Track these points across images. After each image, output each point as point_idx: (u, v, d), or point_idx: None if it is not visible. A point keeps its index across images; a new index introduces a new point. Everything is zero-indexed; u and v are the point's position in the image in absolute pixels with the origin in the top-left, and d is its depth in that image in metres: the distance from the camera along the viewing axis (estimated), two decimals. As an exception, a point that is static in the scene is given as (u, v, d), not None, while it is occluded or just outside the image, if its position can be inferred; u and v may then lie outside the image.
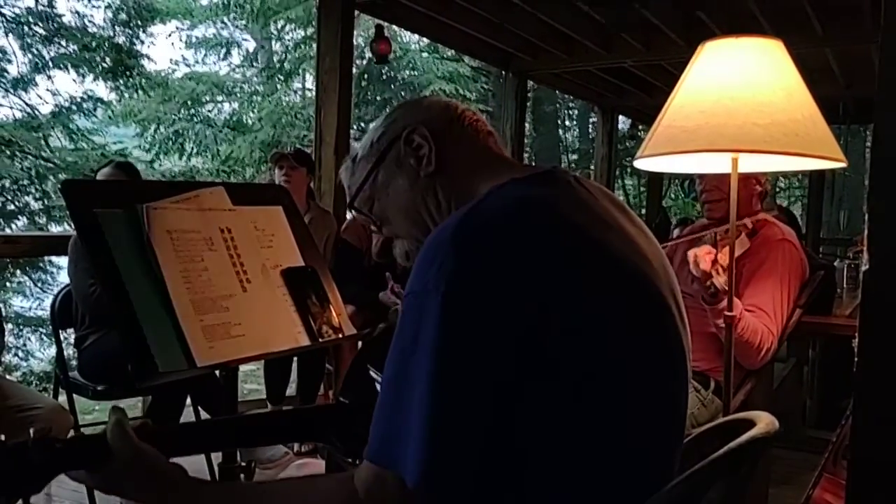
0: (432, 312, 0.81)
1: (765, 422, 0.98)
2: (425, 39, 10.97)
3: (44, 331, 8.26)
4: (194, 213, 1.37)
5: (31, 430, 0.97)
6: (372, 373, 1.28)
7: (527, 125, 9.60)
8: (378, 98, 12.03)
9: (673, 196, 14.64)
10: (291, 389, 3.90)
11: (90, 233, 1.21)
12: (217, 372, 3.37)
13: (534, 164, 1.11)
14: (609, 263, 0.90)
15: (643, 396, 0.91)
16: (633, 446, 0.90)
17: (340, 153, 4.78)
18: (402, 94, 12.18)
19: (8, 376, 5.19)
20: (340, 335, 1.50)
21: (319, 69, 4.95)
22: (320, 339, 1.46)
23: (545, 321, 0.82)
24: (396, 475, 0.81)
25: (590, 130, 15.63)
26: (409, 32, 9.40)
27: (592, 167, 10.83)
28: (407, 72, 12.28)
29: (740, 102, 1.64)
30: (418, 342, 0.81)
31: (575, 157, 16.23)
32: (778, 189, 15.36)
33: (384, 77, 12.03)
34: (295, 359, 3.69)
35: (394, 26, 6.37)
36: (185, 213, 1.34)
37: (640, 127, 9.76)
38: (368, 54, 9.93)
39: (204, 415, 3.27)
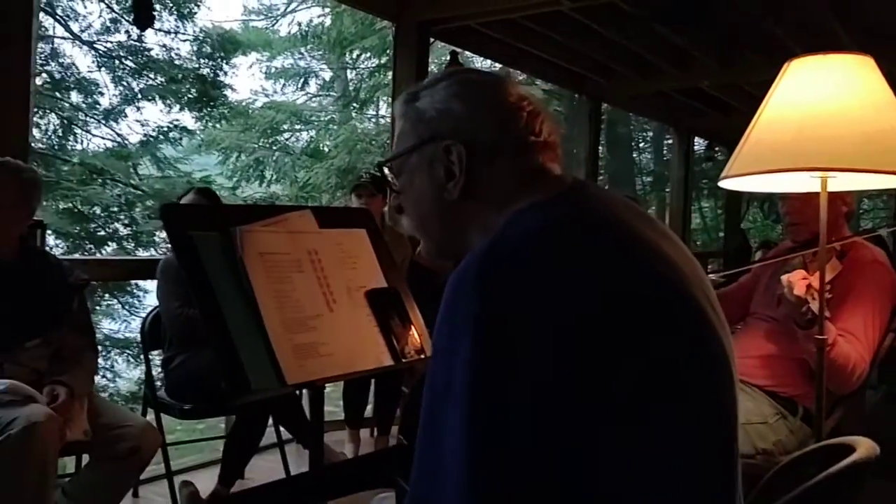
0: (462, 356, 0.79)
1: (865, 447, 0.94)
2: (499, 65, 11.01)
3: (130, 352, 8.57)
4: (283, 235, 1.41)
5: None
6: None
7: (600, 148, 9.53)
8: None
9: (751, 219, 14.28)
10: (367, 412, 3.94)
11: (186, 254, 1.26)
12: (303, 391, 3.42)
13: (572, 178, 1.06)
14: (638, 278, 0.87)
15: (692, 409, 0.86)
16: (686, 459, 0.85)
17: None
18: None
19: (98, 395, 5.35)
20: (422, 356, 1.51)
21: (395, 95, 5.05)
22: (403, 360, 1.48)
23: (579, 350, 0.80)
24: None
25: (665, 152, 15.40)
26: (482, 58, 9.46)
27: (668, 190, 10.66)
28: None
29: (830, 120, 1.60)
30: (451, 387, 0.80)
31: (650, 179, 16.02)
32: (861, 210, 14.81)
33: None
34: (372, 381, 3.73)
35: (467, 52, 6.44)
36: (275, 236, 1.39)
37: (718, 149, 9.57)
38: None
39: (285, 434, 3.34)
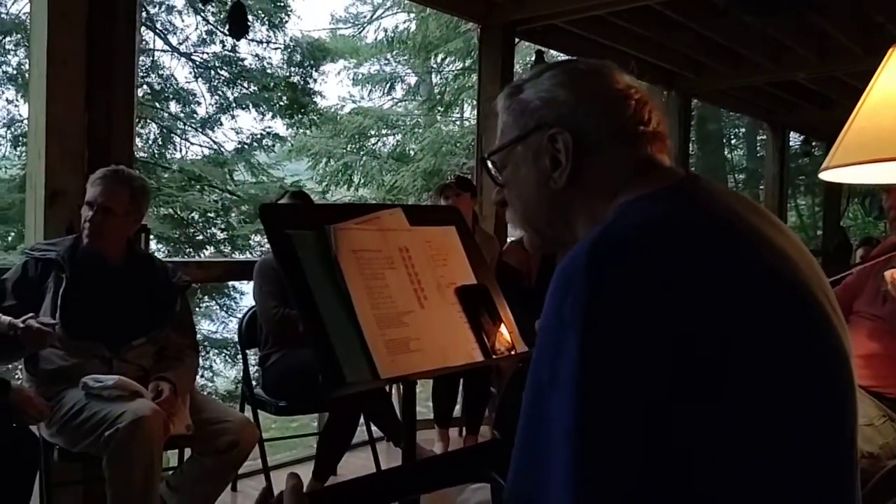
0: (570, 346, 0.78)
1: None
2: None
3: (227, 352, 8.87)
4: (375, 233, 1.44)
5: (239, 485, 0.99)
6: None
7: (691, 145, 9.30)
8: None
9: (851, 216, 13.66)
10: (455, 412, 3.97)
11: (284, 252, 1.30)
12: (395, 388, 3.46)
13: (684, 170, 1.03)
14: (752, 272, 0.85)
15: (806, 404, 0.84)
16: (799, 459, 0.83)
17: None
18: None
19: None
20: (513, 352, 1.52)
21: (481, 97, 5.07)
22: (493, 355, 1.48)
23: (689, 343, 0.78)
24: None
25: (758, 149, 14.90)
26: (568, 57, 9.40)
27: (762, 187, 10.31)
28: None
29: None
30: (557, 377, 0.79)
31: (742, 176, 15.53)
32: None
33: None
34: (461, 380, 3.76)
35: (552, 51, 6.40)
36: (367, 234, 1.42)
37: (815, 143, 9.20)
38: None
39: (377, 433, 3.40)
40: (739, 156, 16.23)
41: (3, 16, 8.17)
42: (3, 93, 8.44)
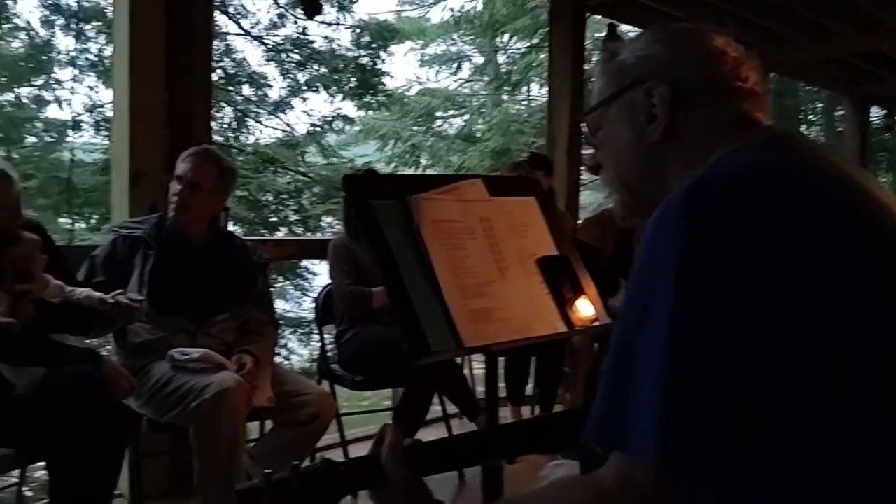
0: (665, 287, 0.79)
1: None
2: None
3: (301, 331, 9.07)
4: (456, 203, 1.44)
5: (319, 457, 1.02)
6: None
7: (767, 120, 8.99)
8: (606, 102, 11.87)
9: (939, 192, 13.05)
10: (524, 390, 3.95)
11: (368, 221, 1.31)
12: (468, 364, 3.46)
13: (783, 128, 1.00)
14: (850, 218, 0.84)
15: None
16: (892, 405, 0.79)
17: (573, 155, 4.81)
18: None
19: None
20: (596, 323, 1.50)
21: (552, 73, 5.02)
22: (576, 327, 1.47)
23: (784, 286, 0.78)
24: (643, 461, 0.78)
25: (836, 124, 14.35)
26: (641, 30, 9.20)
27: (843, 162, 9.92)
28: (637, 70, 12.02)
29: None
30: (649, 317, 0.79)
31: (820, 153, 14.95)
32: None
33: (613, 78, 11.86)
34: (533, 359, 3.74)
35: (624, 26, 6.28)
36: (448, 204, 1.42)
37: (898, 117, 8.79)
38: (595, 57, 9.86)
39: (450, 407, 3.42)
40: (817, 131, 15.68)
41: (84, 4, 8.45)
42: (84, 79, 8.75)
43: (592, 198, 11.14)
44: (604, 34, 6.23)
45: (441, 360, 2.93)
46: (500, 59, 13.91)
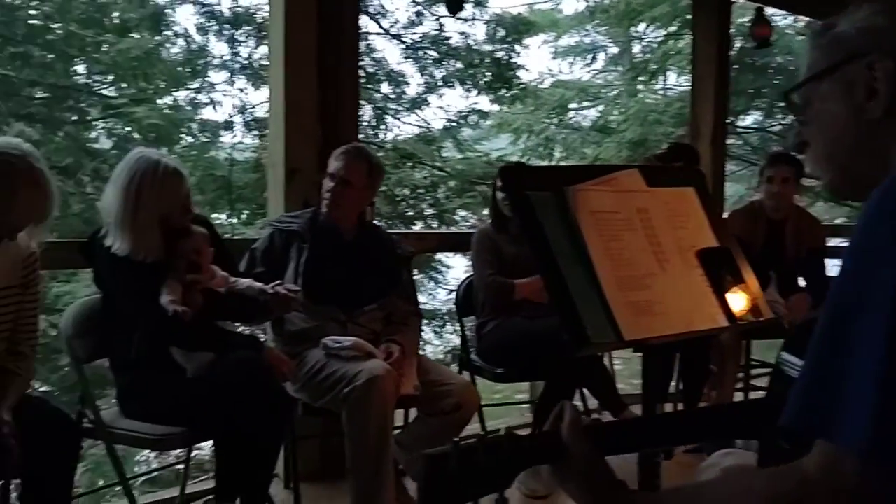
0: (890, 269, 0.75)
1: None
2: (803, 19, 10.12)
3: (436, 322, 9.22)
4: (612, 194, 1.42)
5: (503, 428, 1.05)
6: (785, 366, 1.22)
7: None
8: (750, 89, 11.38)
9: None
10: (667, 388, 3.85)
11: (525, 212, 1.32)
12: (608, 358, 3.42)
13: None
14: None
15: None
16: None
17: (718, 144, 4.64)
18: (776, 81, 11.37)
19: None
20: (760, 318, 1.45)
21: (695, 60, 4.86)
22: (739, 321, 1.43)
23: None
24: (851, 451, 0.75)
25: None
26: (791, 14, 8.75)
27: None
28: (780, 58, 11.45)
29: None
30: (867, 303, 0.76)
31: None
32: None
33: (756, 64, 11.34)
34: (677, 356, 3.64)
35: (769, 9, 5.98)
36: (604, 195, 1.41)
37: None
38: (737, 43, 9.45)
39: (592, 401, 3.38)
40: None
41: (237, 10, 8.94)
42: (234, 82, 9.25)
43: (733, 189, 10.70)
44: (748, 19, 5.97)
45: (584, 354, 2.92)
46: (636, 48, 13.57)
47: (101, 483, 6.17)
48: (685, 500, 0.98)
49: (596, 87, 13.23)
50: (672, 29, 11.85)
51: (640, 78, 12.89)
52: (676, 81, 12.93)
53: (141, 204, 2.27)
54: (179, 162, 2.45)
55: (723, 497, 0.91)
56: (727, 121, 4.98)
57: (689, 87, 5.07)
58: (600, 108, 12.89)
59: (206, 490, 2.73)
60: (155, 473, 6.49)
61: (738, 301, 1.44)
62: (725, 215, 4.11)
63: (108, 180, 2.42)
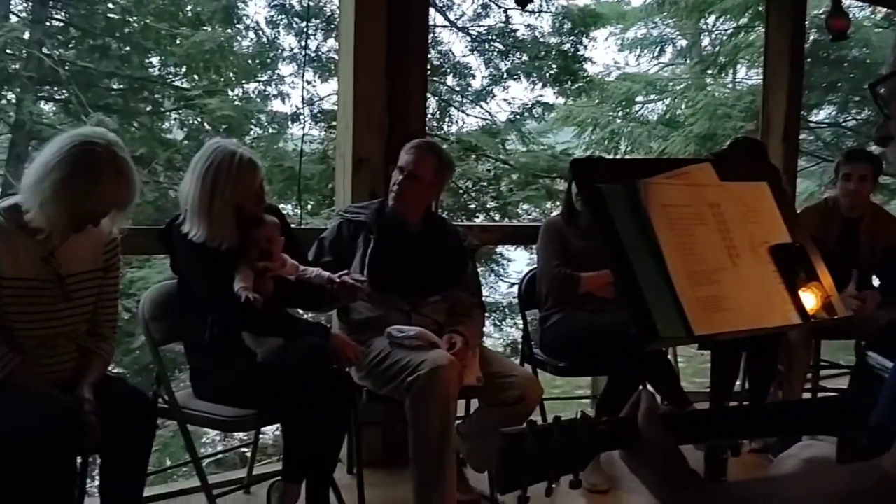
0: None
1: None
2: (882, 10, 9.76)
3: (497, 316, 9.23)
4: (684, 188, 1.41)
5: (579, 412, 1.07)
6: (872, 364, 1.20)
7: None
8: (824, 83, 11.03)
9: None
10: (732, 387, 3.77)
11: (596, 205, 1.32)
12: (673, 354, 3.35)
13: None
14: None
15: None
16: None
17: (790, 140, 4.52)
18: (852, 75, 10.99)
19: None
20: (834, 316, 1.42)
21: (768, 53, 4.74)
22: (812, 319, 1.40)
23: None
24: None
25: None
26: (870, 5, 8.45)
27: None
28: (856, 51, 11.06)
29: None
30: None
31: None
32: None
33: (831, 57, 10.99)
34: (744, 355, 3.57)
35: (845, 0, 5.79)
36: (676, 188, 1.39)
37: None
38: (812, 35, 9.17)
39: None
40: None
41: (308, 3, 9.08)
42: (302, 74, 9.42)
43: (804, 186, 10.40)
44: (823, 10, 5.79)
45: (649, 350, 2.89)
46: (705, 40, 13.29)
47: (168, 463, 6.38)
48: (761, 489, 0.98)
49: (663, 80, 13.00)
50: (743, 21, 11.57)
51: (709, 71, 12.62)
52: (747, 75, 12.64)
53: (217, 192, 2.34)
54: (254, 153, 2.52)
55: (800, 490, 0.90)
56: (800, 115, 4.84)
57: (760, 81, 4.95)
58: (667, 101, 12.67)
59: (271, 472, 2.80)
60: (220, 455, 6.68)
61: (811, 299, 1.41)
62: (799, 213, 4.02)
63: (186, 169, 2.50)
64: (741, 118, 10.26)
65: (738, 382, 3.61)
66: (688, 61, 13.58)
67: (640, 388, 1.09)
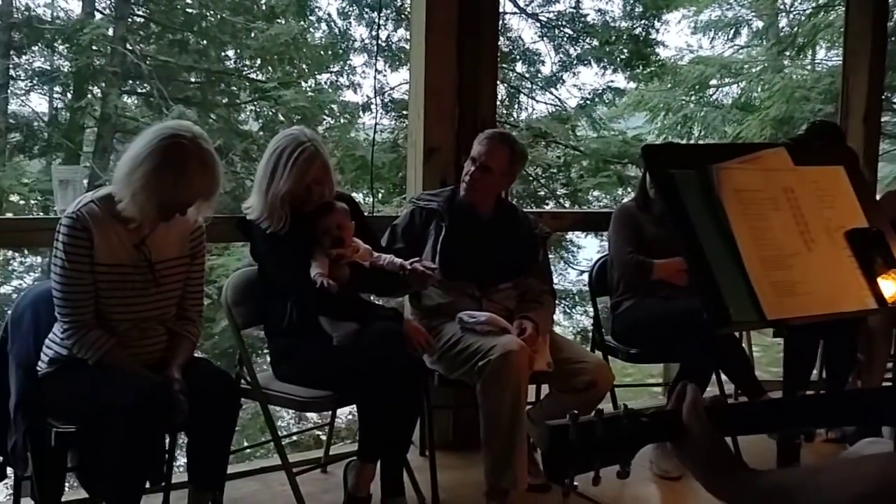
0: None
1: None
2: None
3: (567, 303, 9.20)
4: (758, 173, 1.41)
5: (623, 405, 1.09)
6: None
7: None
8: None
9: None
10: (808, 376, 3.69)
11: (668, 191, 1.33)
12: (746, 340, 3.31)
13: None
14: None
15: None
16: None
17: (871, 122, 4.37)
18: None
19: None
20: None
21: (848, 33, 4.59)
22: (889, 304, 1.38)
23: None
24: None
25: None
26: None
27: None
28: (947, 28, 10.55)
29: None
30: None
31: None
32: None
33: (918, 37, 10.51)
34: (821, 342, 3.49)
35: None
36: (749, 173, 1.39)
37: None
38: (895, 14, 8.78)
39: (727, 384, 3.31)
40: None
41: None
42: (373, 64, 9.54)
43: (888, 170, 10.00)
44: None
45: (722, 337, 2.87)
46: (783, 21, 12.87)
47: (245, 444, 6.59)
48: (801, 479, 0.98)
49: (738, 62, 12.66)
50: (822, 0, 11.17)
51: (787, 52, 12.23)
52: (826, 56, 12.20)
53: (275, 177, 2.46)
54: (321, 144, 2.58)
55: (834, 476, 0.91)
56: (881, 97, 4.67)
57: (840, 62, 4.80)
58: (742, 84, 12.34)
59: (347, 452, 2.89)
60: (295, 437, 6.88)
61: (890, 286, 1.39)
62: (878, 197, 3.89)
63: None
64: (820, 101, 9.93)
65: (815, 371, 3.53)
66: (764, 43, 13.17)
67: (687, 382, 1.10)
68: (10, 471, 2.26)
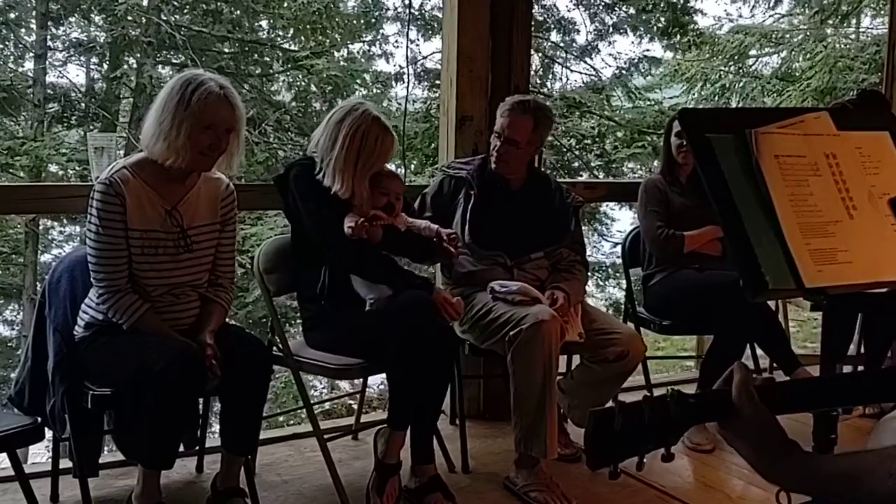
0: None
1: None
2: None
3: (599, 275, 9.16)
4: (799, 138, 1.37)
5: (669, 389, 1.07)
6: None
7: None
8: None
9: None
10: (846, 351, 3.62)
11: (704, 156, 1.30)
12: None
13: None
14: None
15: None
16: None
17: (918, 92, 4.24)
18: None
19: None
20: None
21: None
22: (935, 273, 1.34)
23: None
24: None
25: None
26: None
27: None
28: None
29: None
30: None
31: None
32: None
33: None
34: (860, 315, 3.42)
35: None
36: (790, 139, 1.36)
37: None
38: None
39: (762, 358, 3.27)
40: None
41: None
42: (406, 33, 9.48)
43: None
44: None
45: (757, 308, 2.82)
46: (826, -13, 12.51)
47: (278, 411, 6.68)
48: (871, 464, 0.96)
49: (779, 31, 12.34)
50: (869, -34, 10.85)
51: (830, 21, 11.89)
52: (871, 24, 11.84)
53: (361, 159, 2.45)
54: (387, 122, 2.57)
55: (887, 459, 0.88)
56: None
57: (886, 30, 4.64)
58: (783, 54, 12.04)
59: (377, 420, 2.91)
60: (327, 405, 6.96)
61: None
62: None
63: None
64: (864, 70, 9.67)
65: (852, 346, 3.47)
66: (806, 11, 12.82)
67: (737, 361, 1.07)
68: (48, 433, 2.30)
